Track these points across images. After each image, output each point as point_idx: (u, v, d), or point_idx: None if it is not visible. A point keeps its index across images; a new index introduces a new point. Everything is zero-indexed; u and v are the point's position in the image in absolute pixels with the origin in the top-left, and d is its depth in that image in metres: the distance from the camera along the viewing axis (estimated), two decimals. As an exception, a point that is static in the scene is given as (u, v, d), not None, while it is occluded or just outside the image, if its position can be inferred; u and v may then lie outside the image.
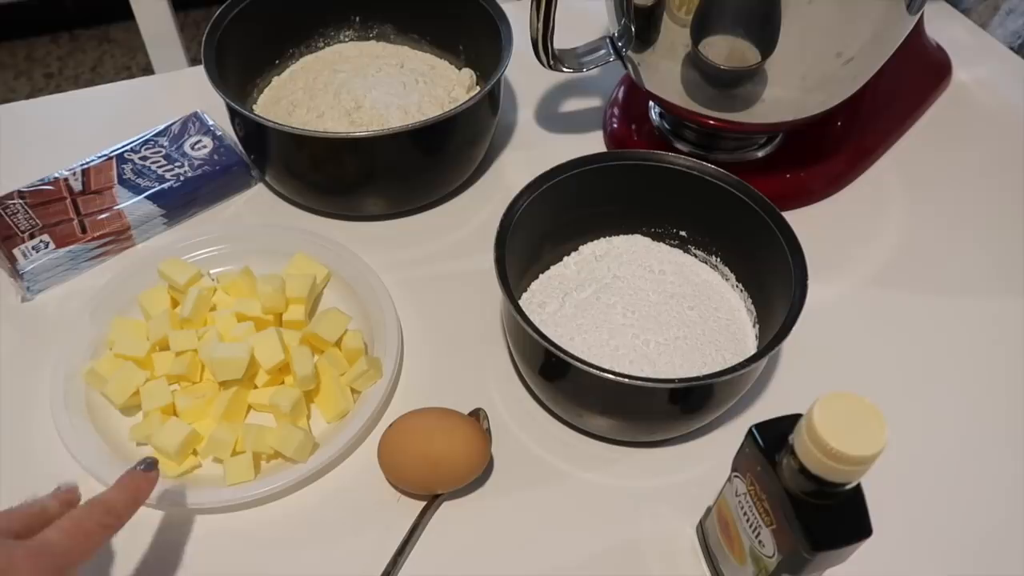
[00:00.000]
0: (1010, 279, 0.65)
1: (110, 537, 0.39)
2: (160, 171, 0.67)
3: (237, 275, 0.59)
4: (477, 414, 0.54)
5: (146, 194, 0.65)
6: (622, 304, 0.55)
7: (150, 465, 0.43)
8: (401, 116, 0.67)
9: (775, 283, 0.53)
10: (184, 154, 0.68)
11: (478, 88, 0.71)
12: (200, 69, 0.63)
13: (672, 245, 0.60)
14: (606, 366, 0.46)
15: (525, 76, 0.76)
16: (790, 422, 0.38)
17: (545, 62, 0.65)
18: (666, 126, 0.72)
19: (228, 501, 0.50)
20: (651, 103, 0.73)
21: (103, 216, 0.64)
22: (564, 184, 0.56)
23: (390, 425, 0.51)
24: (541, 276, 0.59)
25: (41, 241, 0.62)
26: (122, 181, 0.66)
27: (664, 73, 0.62)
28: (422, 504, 0.51)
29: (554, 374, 0.51)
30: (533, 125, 0.76)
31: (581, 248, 0.60)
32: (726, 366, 0.49)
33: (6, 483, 0.52)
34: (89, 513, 0.39)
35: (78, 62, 2.00)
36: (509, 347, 0.57)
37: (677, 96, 0.63)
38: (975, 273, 0.65)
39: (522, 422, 0.55)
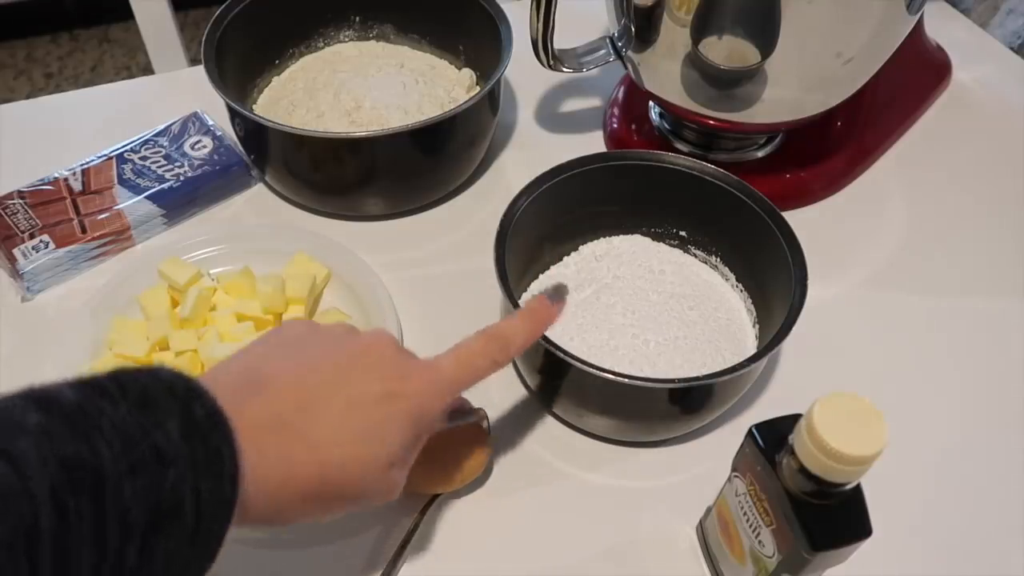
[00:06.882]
0: (1010, 279, 0.65)
1: (496, 371, 0.39)
2: (160, 171, 0.67)
3: (237, 275, 0.59)
4: (477, 414, 0.54)
5: (146, 194, 0.65)
6: (622, 304, 0.55)
7: (560, 293, 0.41)
8: (401, 116, 0.67)
9: (775, 283, 0.53)
10: (184, 154, 0.68)
11: (478, 88, 0.71)
12: (200, 69, 0.63)
13: (672, 245, 0.60)
14: (606, 366, 0.46)
15: (525, 76, 0.76)
16: (790, 422, 0.38)
17: (545, 62, 0.65)
18: (666, 126, 0.72)
19: (228, 501, 0.50)
20: (651, 103, 0.73)
21: (103, 216, 0.64)
22: (564, 184, 0.56)
23: (390, 425, 0.51)
24: (541, 276, 0.59)
25: (41, 241, 0.62)
26: (122, 181, 0.66)
27: (664, 73, 0.62)
28: (422, 504, 0.51)
29: (554, 374, 0.51)
30: (533, 125, 0.76)
31: (581, 248, 0.60)
32: (726, 366, 0.49)
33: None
34: (484, 348, 0.39)
35: (78, 62, 2.00)
36: (509, 347, 0.57)
37: (677, 96, 0.63)
38: (975, 273, 0.65)
39: (522, 422, 0.55)
